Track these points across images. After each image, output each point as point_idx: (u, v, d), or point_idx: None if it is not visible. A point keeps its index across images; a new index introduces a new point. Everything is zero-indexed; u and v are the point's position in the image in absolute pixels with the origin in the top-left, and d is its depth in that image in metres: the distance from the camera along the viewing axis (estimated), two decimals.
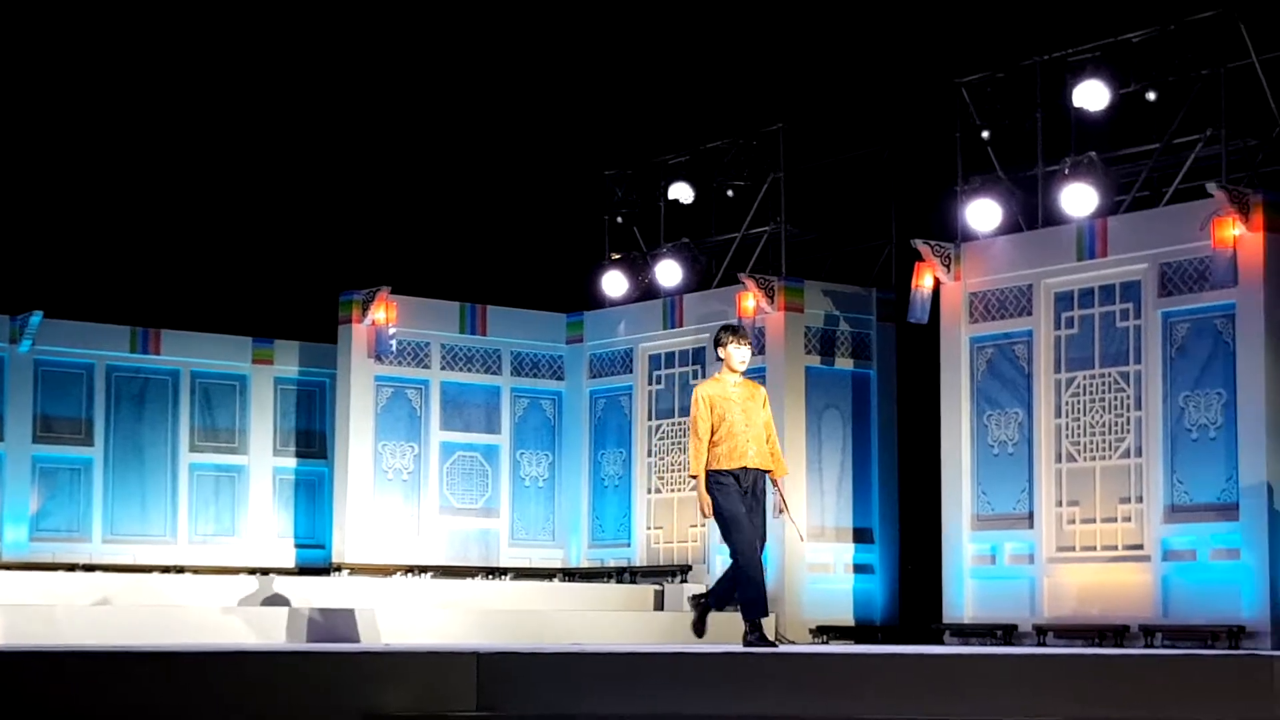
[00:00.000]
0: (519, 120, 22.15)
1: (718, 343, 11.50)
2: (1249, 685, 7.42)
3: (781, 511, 11.41)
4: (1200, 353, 15.18)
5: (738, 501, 11.14)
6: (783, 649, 11.41)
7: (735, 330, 11.53)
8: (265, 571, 18.78)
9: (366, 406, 19.31)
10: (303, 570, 19.49)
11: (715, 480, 11.20)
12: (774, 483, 11.40)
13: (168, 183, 21.52)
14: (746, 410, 11.28)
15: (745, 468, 11.20)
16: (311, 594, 16.64)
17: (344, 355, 19.37)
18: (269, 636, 14.46)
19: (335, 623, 15.05)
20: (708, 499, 11.14)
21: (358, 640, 14.86)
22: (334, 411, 19.77)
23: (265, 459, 20.35)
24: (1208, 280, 15.07)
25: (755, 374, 18.45)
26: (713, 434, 11.20)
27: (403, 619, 15.29)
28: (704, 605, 11.59)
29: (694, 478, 11.31)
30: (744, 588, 11.19)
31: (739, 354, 11.40)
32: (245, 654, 8.29)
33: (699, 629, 11.64)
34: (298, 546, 20.30)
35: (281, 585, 17.03)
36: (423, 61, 22.08)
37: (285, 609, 15.52)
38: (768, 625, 11.74)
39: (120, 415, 19.66)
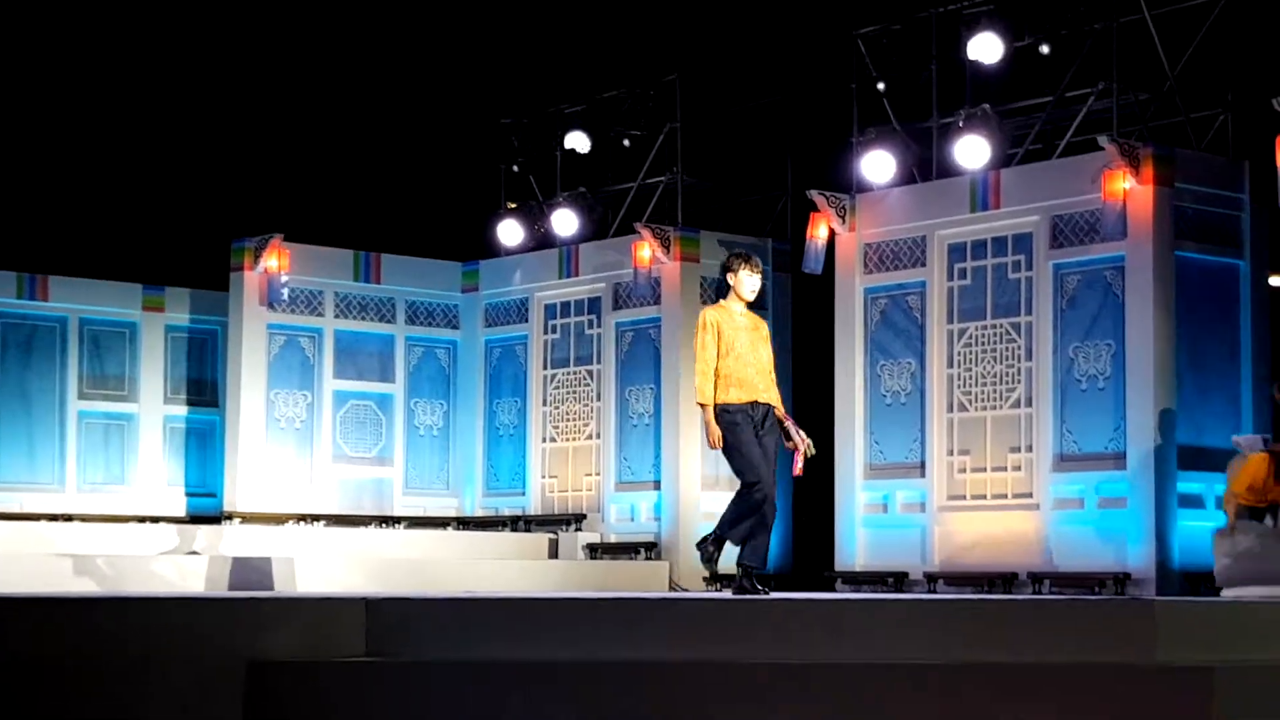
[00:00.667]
0: (414, 67, 21.94)
1: (726, 269, 10.87)
2: (1131, 629, 7.51)
3: (791, 441, 10.72)
4: (1090, 304, 15.34)
5: (751, 433, 10.52)
6: (677, 595, 11.44)
7: (746, 257, 10.88)
8: (155, 520, 18.63)
9: (258, 354, 19.14)
10: (194, 519, 19.32)
11: (724, 413, 10.54)
12: (780, 416, 10.77)
13: (55, 125, 21.15)
14: (753, 342, 10.74)
15: (755, 402, 10.60)
16: (202, 542, 16.53)
17: (235, 303, 19.19)
18: (158, 584, 14.34)
19: (225, 571, 14.95)
20: (717, 430, 10.49)
21: (249, 588, 14.77)
22: (225, 359, 19.58)
23: (156, 407, 20.13)
24: (1098, 233, 15.22)
25: (650, 324, 18.61)
26: (718, 363, 10.59)
27: (295, 567, 15.21)
28: (713, 547, 10.78)
29: (701, 406, 10.60)
30: (757, 528, 10.60)
31: (750, 282, 10.76)
32: (129, 600, 8.20)
33: (713, 569, 10.86)
34: (189, 495, 20.12)
35: (172, 534, 16.90)
36: (316, 5, 21.81)
37: (175, 557, 15.41)
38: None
39: (7, 362, 19.37)
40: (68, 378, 19.68)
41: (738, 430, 10.52)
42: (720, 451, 10.72)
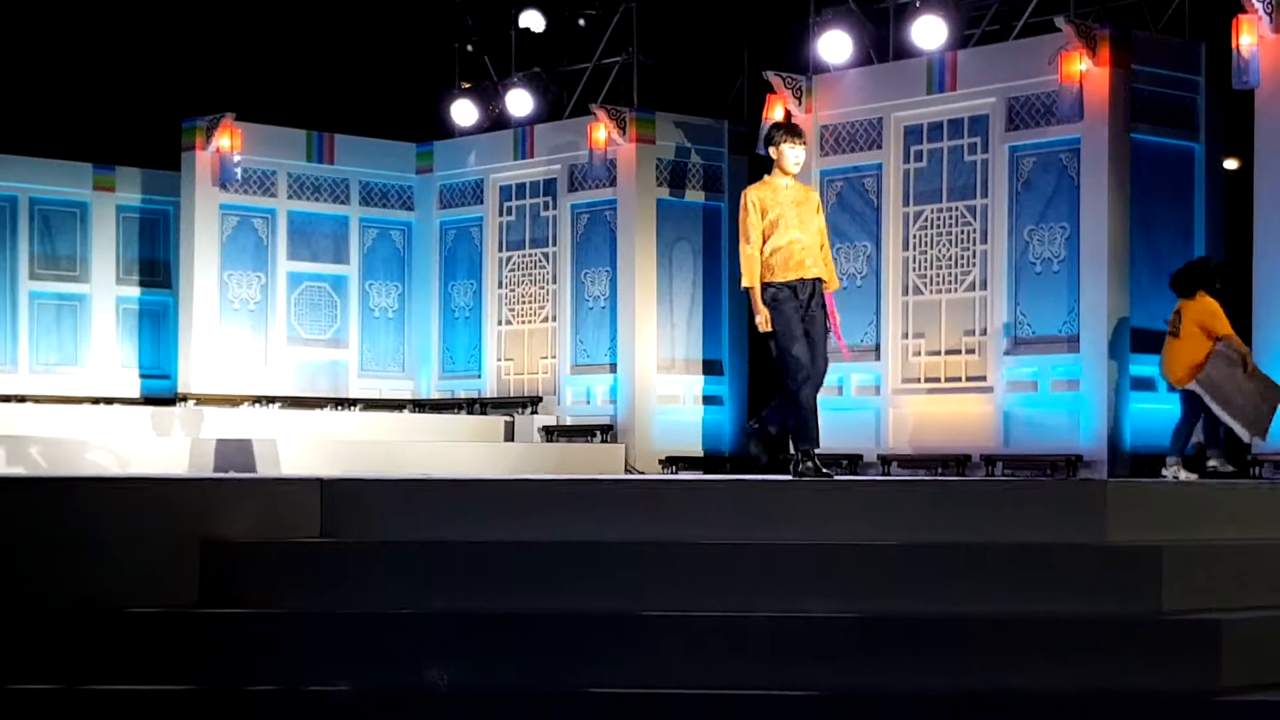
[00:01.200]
0: None
1: (769, 141, 10.22)
2: (1082, 510, 7.58)
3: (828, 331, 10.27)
4: (1045, 187, 15.35)
5: (795, 320, 9.99)
6: (634, 477, 11.45)
7: (790, 128, 10.23)
8: (110, 401, 18.56)
9: (211, 235, 19.02)
10: (148, 400, 19.27)
11: (770, 295, 10.05)
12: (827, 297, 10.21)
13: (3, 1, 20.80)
14: (801, 215, 10.11)
15: (803, 279, 10.04)
16: (157, 423, 16.51)
17: (188, 183, 19.05)
18: (128, 462, 14.33)
19: (182, 452, 14.94)
20: (766, 312, 9.98)
21: (206, 470, 14.77)
22: (178, 240, 19.45)
23: (108, 288, 19.98)
24: (1054, 115, 15.20)
25: (606, 206, 18.54)
26: (764, 241, 10.04)
27: (278, 449, 15.21)
28: (760, 431, 10.38)
29: (748, 290, 10.10)
30: (792, 414, 10.17)
31: (793, 154, 10.13)
32: (81, 480, 8.19)
33: (765, 457, 10.37)
34: (143, 377, 20.03)
35: (126, 415, 16.87)
36: None
37: (129, 438, 15.38)
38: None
39: None
40: (18, 258, 19.52)
41: (783, 316, 10.04)
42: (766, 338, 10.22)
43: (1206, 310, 12.65)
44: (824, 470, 10.09)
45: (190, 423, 16.61)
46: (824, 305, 10.12)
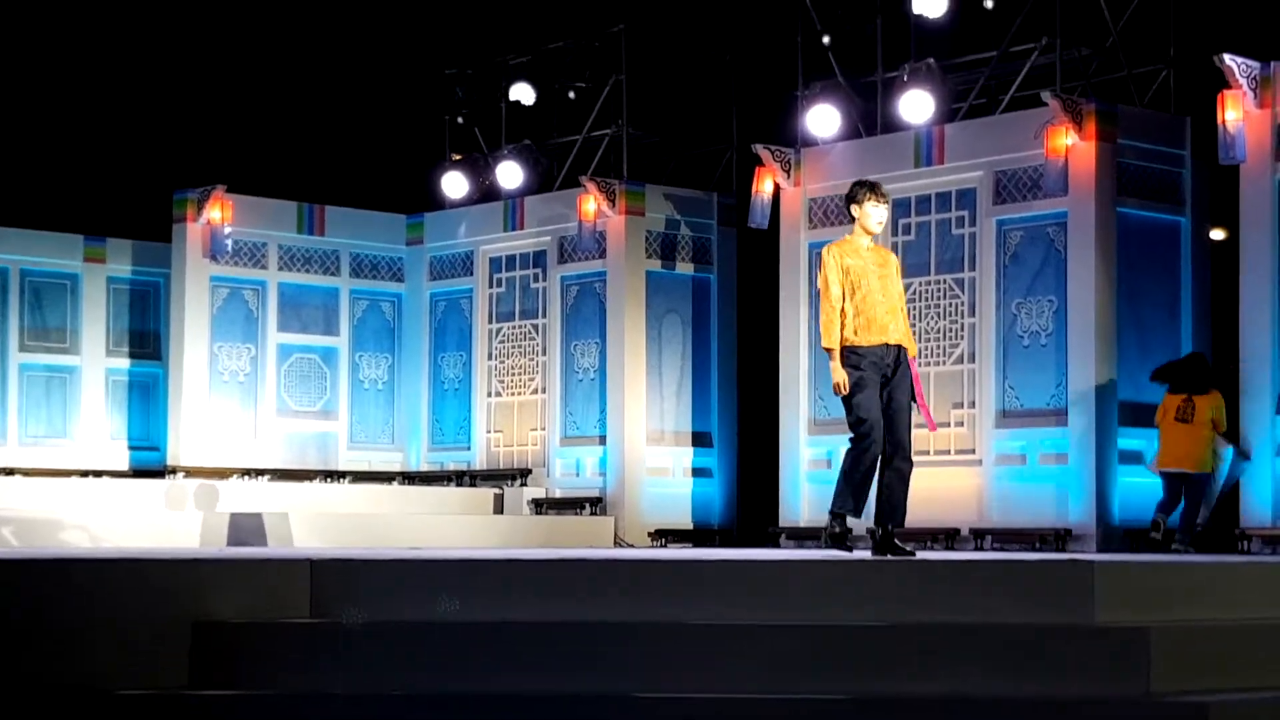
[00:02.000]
0: (358, 17, 21.78)
1: (851, 199, 9.88)
2: (1070, 590, 7.57)
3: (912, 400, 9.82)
4: (1033, 260, 15.43)
5: (873, 388, 9.66)
6: (621, 553, 11.42)
7: (873, 187, 9.88)
8: (98, 474, 18.53)
9: (202, 307, 19.05)
10: (137, 473, 19.24)
11: (851, 357, 9.70)
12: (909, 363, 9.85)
13: None
14: (883, 278, 9.78)
15: (886, 344, 9.70)
16: (146, 497, 16.48)
17: (178, 255, 19.10)
18: (101, 540, 14.29)
19: (171, 526, 14.91)
20: (843, 375, 9.64)
21: (194, 545, 14.74)
22: (168, 312, 19.47)
23: (98, 360, 19.99)
24: (1041, 189, 15.29)
25: (596, 278, 18.59)
26: (844, 301, 9.70)
27: (241, 523, 15.19)
28: (836, 526, 10.11)
29: (828, 350, 9.75)
30: (843, 474, 9.92)
31: (876, 214, 9.81)
32: (72, 560, 8.17)
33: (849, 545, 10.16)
34: (132, 449, 20.01)
35: (114, 488, 16.84)
36: None
37: (119, 513, 15.34)
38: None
39: None
40: (8, 330, 19.54)
41: (861, 382, 9.70)
42: (839, 399, 9.91)
43: (1219, 405, 13.90)
44: (846, 542, 9.99)
45: (185, 497, 16.56)
46: (909, 372, 9.82)
